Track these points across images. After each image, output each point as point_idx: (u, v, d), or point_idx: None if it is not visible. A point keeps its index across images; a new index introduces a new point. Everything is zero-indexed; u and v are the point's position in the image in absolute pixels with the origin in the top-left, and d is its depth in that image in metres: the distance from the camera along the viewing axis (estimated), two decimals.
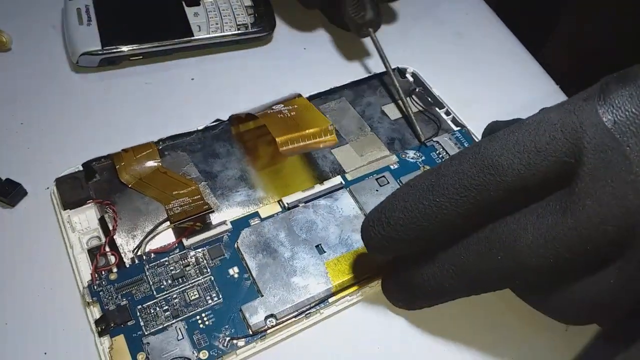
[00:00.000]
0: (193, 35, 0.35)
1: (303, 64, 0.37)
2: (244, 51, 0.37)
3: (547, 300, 0.23)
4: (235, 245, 0.27)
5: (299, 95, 0.32)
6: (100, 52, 0.34)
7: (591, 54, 0.24)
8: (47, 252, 0.27)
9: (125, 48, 0.34)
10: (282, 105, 0.31)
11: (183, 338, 0.24)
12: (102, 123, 0.33)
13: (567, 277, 0.22)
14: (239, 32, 0.36)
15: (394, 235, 0.23)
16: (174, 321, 0.25)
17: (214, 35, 0.36)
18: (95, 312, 0.25)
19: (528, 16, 0.47)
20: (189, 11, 0.36)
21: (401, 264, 0.26)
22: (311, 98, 0.34)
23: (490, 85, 0.38)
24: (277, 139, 0.29)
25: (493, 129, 0.30)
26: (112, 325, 0.24)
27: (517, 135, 0.21)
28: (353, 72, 0.37)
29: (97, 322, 0.24)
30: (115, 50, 0.34)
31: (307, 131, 0.30)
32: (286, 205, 0.29)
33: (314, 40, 0.39)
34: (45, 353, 0.24)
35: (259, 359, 0.25)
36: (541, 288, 0.23)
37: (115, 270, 0.26)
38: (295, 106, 0.31)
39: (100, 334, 0.24)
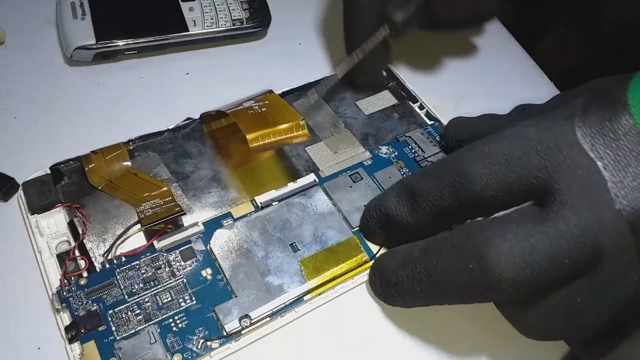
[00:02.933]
0: (188, 30, 0.35)
1: (298, 59, 0.37)
2: (239, 46, 0.37)
3: (515, 313, 0.23)
4: (208, 247, 0.27)
5: (271, 92, 0.32)
6: (94, 47, 0.33)
7: (585, 50, 0.24)
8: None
9: (119, 42, 0.34)
10: (253, 102, 0.30)
11: (156, 342, 0.24)
12: (97, 117, 0.32)
13: (537, 290, 0.22)
14: (234, 27, 0.36)
15: (384, 222, 0.26)
16: (146, 325, 0.25)
17: (209, 30, 0.35)
18: (65, 319, 0.24)
19: (522, 12, 0.47)
20: (184, 6, 0.36)
21: (382, 260, 0.26)
22: (285, 94, 0.34)
23: (484, 82, 0.38)
24: (247, 136, 0.29)
25: (457, 124, 0.31)
26: (83, 331, 0.24)
27: (492, 146, 0.22)
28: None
29: (67, 329, 0.24)
30: (109, 45, 0.33)
31: (278, 127, 0.30)
32: (259, 204, 0.29)
33: (309, 35, 0.39)
34: None
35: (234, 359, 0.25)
36: (511, 302, 0.23)
37: (85, 275, 0.26)
38: (267, 102, 0.31)
39: (71, 340, 0.24)
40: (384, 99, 0.35)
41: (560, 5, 0.43)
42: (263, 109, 0.30)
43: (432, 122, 0.34)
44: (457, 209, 0.23)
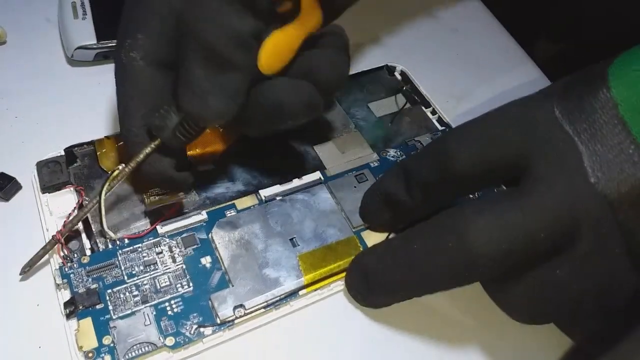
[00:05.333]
0: None
1: None
2: None
3: (499, 292, 0.23)
4: (209, 236, 0.28)
5: None
6: (95, 46, 0.34)
7: (584, 49, 0.24)
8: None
9: None
10: None
11: (150, 324, 0.25)
12: (97, 117, 0.33)
13: (517, 267, 0.22)
14: None
15: (384, 202, 0.27)
16: (142, 307, 0.25)
17: None
18: (66, 295, 0.25)
19: (521, 12, 0.47)
20: None
21: (361, 255, 0.26)
22: None
23: (484, 82, 0.38)
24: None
25: None
26: (81, 307, 0.25)
27: (475, 125, 0.23)
28: (356, 69, 0.37)
29: (66, 305, 0.25)
30: (110, 45, 0.34)
31: None
32: (263, 198, 0.29)
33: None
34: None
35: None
36: (495, 280, 0.23)
37: (88, 254, 0.26)
38: None
39: (68, 316, 0.24)
40: (397, 103, 0.35)
41: (560, 5, 0.43)
42: None
43: (443, 127, 0.34)
44: (443, 187, 0.24)
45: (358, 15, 0.41)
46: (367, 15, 0.41)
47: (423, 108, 0.35)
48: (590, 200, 0.20)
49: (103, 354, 0.24)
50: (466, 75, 0.38)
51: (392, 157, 0.32)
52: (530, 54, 0.40)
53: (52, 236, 0.26)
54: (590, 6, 0.41)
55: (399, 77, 0.36)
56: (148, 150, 0.25)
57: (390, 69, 0.37)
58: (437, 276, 0.23)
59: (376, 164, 0.31)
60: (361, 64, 0.38)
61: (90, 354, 0.24)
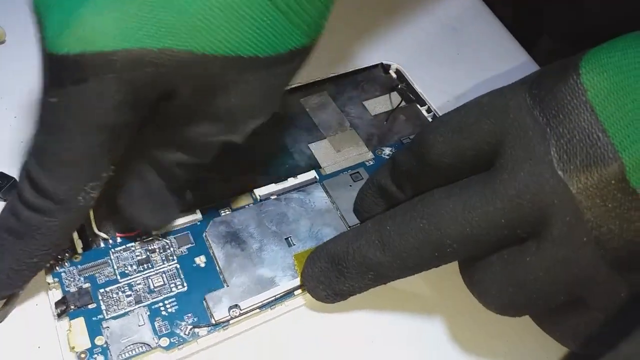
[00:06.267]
0: None
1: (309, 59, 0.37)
2: None
3: (471, 278, 0.23)
4: (204, 235, 0.27)
5: None
6: None
7: (585, 48, 0.24)
8: None
9: None
10: None
11: (144, 324, 0.24)
12: None
13: (486, 252, 0.22)
14: None
15: (379, 195, 0.27)
16: (136, 307, 0.25)
17: None
18: (57, 294, 0.25)
19: (522, 11, 0.47)
20: None
21: (329, 241, 0.26)
22: (292, 91, 0.34)
23: (484, 81, 0.38)
24: None
25: None
26: (72, 307, 0.24)
27: (450, 115, 0.23)
28: (351, 67, 0.37)
29: (57, 304, 0.24)
30: None
31: None
32: (258, 197, 0.29)
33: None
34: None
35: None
36: (470, 266, 0.23)
37: (80, 252, 0.26)
38: None
39: (60, 315, 0.24)
40: (392, 101, 0.35)
41: (560, 4, 0.43)
42: None
43: None
44: (425, 177, 0.24)
45: (357, 14, 0.41)
46: (367, 14, 0.41)
47: (418, 106, 0.35)
48: (554, 189, 0.19)
49: (96, 355, 0.23)
50: (466, 74, 0.38)
51: (387, 155, 0.32)
52: (531, 53, 0.40)
53: None
54: (591, 5, 0.42)
55: (394, 76, 0.36)
56: None
57: (385, 67, 0.36)
58: (409, 256, 0.23)
59: (371, 163, 0.31)
60: (360, 63, 0.37)
61: (82, 355, 0.23)
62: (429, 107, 0.34)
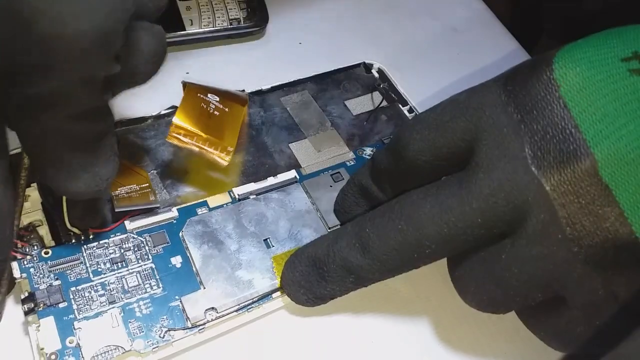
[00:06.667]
0: (185, 29, 0.34)
1: (298, 58, 0.37)
2: (238, 45, 0.36)
3: (453, 275, 0.24)
4: (180, 234, 0.27)
5: (245, 103, 0.30)
6: None
7: None
8: None
9: None
10: (218, 99, 0.29)
11: (118, 326, 0.24)
12: None
13: (466, 251, 0.22)
14: (231, 26, 0.35)
15: (361, 195, 0.27)
16: (109, 307, 0.24)
17: (206, 29, 0.35)
18: (26, 292, 0.24)
19: (522, 11, 0.47)
20: (181, 5, 0.35)
21: (308, 244, 0.26)
22: (273, 89, 0.33)
23: (483, 81, 0.37)
24: (174, 119, 0.27)
25: None
26: (42, 305, 0.23)
27: (427, 113, 0.23)
28: (336, 66, 0.36)
29: (25, 301, 0.23)
30: None
31: (206, 135, 0.27)
32: (237, 196, 0.28)
33: (309, 35, 0.38)
34: None
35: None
36: (452, 262, 0.24)
37: (49, 246, 0.25)
38: (227, 110, 0.29)
39: (27, 313, 0.23)
40: (373, 100, 0.35)
41: (560, 3, 0.43)
42: (216, 112, 0.28)
43: None
44: (402, 176, 0.24)
45: (357, 13, 0.40)
46: (367, 14, 0.40)
47: (400, 106, 0.35)
48: (529, 186, 0.20)
49: (67, 357, 0.22)
50: (466, 74, 0.38)
51: (368, 155, 0.31)
52: (531, 53, 0.41)
53: None
54: (590, 5, 0.42)
55: (377, 75, 0.36)
56: None
57: (368, 67, 0.36)
58: (388, 258, 0.23)
59: (352, 163, 0.31)
60: (348, 62, 0.37)
61: (53, 357, 0.22)
62: (410, 107, 0.34)
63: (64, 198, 0.24)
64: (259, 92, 0.33)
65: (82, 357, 0.23)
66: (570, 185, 0.19)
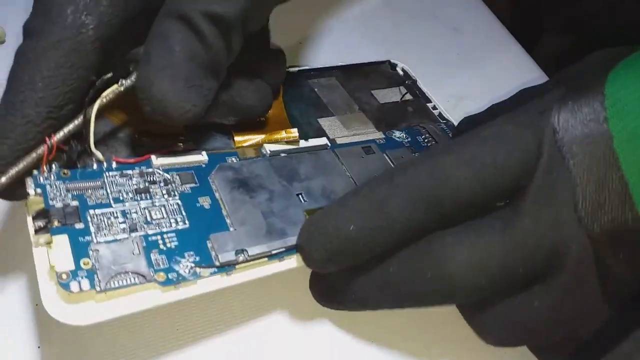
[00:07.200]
0: None
1: (298, 58, 0.37)
2: None
3: (474, 316, 0.22)
4: (209, 178, 0.24)
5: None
6: None
7: (585, 49, 0.25)
8: None
9: None
10: None
11: (140, 254, 0.21)
12: None
13: (494, 297, 0.21)
14: None
15: (343, 248, 0.21)
16: (131, 235, 0.21)
17: None
18: (39, 208, 0.21)
19: (522, 11, 0.48)
20: None
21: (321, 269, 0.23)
22: (299, 72, 0.33)
23: (484, 82, 0.38)
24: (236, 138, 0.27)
25: (468, 123, 0.30)
26: (56, 223, 0.20)
27: (473, 149, 0.21)
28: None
29: (37, 217, 0.20)
30: None
31: (266, 135, 0.28)
32: (268, 152, 0.27)
33: (309, 35, 0.38)
34: None
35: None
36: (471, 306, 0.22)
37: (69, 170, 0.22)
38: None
39: (38, 232, 0.20)
40: (400, 93, 0.34)
41: (560, 3, 0.45)
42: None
43: (444, 120, 0.33)
44: (438, 217, 0.21)
45: (357, 13, 0.41)
46: (367, 13, 0.41)
47: (424, 102, 0.34)
48: (575, 236, 0.19)
49: (80, 278, 0.19)
50: (467, 74, 0.38)
51: (398, 137, 0.31)
52: (531, 53, 0.41)
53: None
54: (590, 4, 0.43)
55: (401, 73, 0.36)
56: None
57: (392, 65, 0.36)
58: (411, 300, 0.22)
59: (382, 142, 0.30)
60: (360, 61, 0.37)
61: (64, 276, 0.19)
62: (434, 104, 0.34)
63: (93, 115, 0.22)
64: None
65: (99, 280, 0.20)
66: (611, 240, 0.19)
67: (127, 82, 0.23)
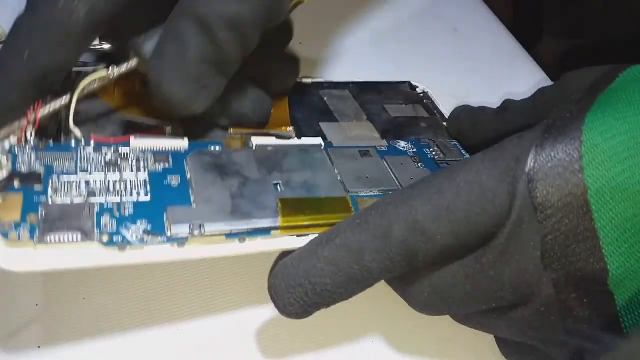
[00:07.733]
0: None
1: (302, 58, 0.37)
2: None
3: (404, 285, 0.23)
4: (185, 160, 0.24)
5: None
6: None
7: (586, 49, 0.23)
8: None
9: None
10: None
11: (89, 215, 0.21)
12: None
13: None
14: None
15: (320, 301, 0.21)
16: (88, 200, 0.21)
17: None
18: (5, 172, 0.21)
19: (523, 12, 0.48)
20: None
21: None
22: (314, 84, 0.33)
23: (484, 81, 0.37)
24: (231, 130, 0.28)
25: (460, 113, 0.31)
26: (16, 185, 0.21)
27: (448, 199, 0.20)
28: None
29: (2, 180, 0.21)
30: None
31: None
32: (254, 145, 0.26)
33: (309, 35, 0.38)
34: None
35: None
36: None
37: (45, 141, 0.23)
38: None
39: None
40: (415, 110, 0.33)
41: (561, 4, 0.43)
42: None
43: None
44: (413, 266, 0.21)
45: (358, 14, 0.41)
46: (367, 14, 0.41)
47: (440, 120, 0.33)
48: (536, 285, 0.20)
49: (21, 229, 0.19)
50: (467, 75, 0.37)
51: (402, 147, 0.29)
52: (531, 53, 0.40)
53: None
54: (592, 5, 0.42)
55: (421, 95, 0.35)
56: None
57: (413, 86, 0.35)
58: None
59: (384, 149, 0.28)
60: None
61: (6, 225, 0.19)
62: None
63: (75, 96, 0.23)
64: (297, 84, 0.32)
65: (38, 234, 0.19)
66: (577, 288, 0.19)
67: (116, 70, 0.24)
